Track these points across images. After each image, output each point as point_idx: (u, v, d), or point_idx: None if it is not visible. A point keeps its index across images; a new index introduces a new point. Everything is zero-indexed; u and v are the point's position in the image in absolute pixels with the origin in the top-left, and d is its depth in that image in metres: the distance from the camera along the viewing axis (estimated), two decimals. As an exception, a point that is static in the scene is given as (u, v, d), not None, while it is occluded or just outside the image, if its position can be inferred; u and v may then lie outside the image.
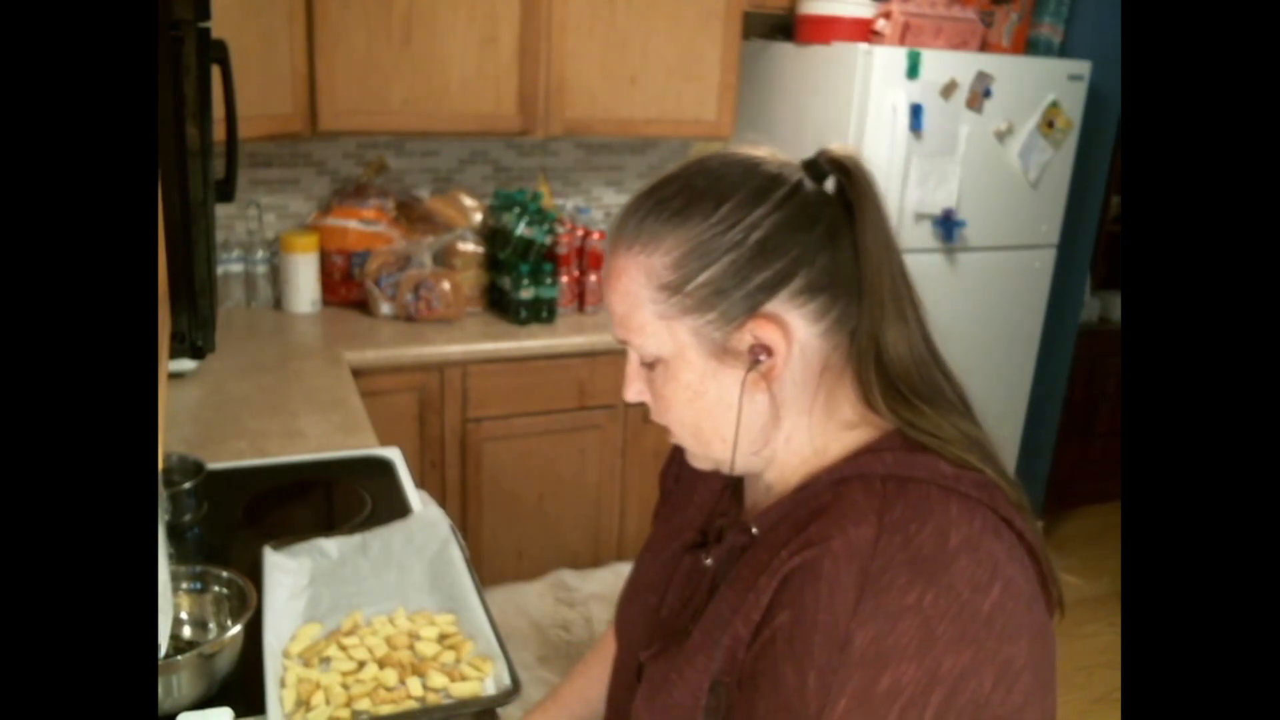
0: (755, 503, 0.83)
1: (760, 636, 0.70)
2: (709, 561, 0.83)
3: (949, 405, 0.76)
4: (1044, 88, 2.73)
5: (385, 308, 2.58)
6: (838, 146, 0.76)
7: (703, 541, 0.87)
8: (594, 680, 1.09)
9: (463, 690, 1.08)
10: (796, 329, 0.73)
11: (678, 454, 0.98)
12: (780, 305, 0.72)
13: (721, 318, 0.72)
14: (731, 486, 0.87)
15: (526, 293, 2.57)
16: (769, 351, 0.73)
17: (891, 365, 0.75)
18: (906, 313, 0.75)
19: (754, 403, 0.75)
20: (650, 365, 0.77)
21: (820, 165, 0.76)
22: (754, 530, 0.78)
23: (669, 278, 0.73)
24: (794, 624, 0.67)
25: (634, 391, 0.80)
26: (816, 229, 0.72)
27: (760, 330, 0.72)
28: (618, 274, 0.76)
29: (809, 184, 0.74)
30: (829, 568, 0.67)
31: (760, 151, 0.77)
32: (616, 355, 2.55)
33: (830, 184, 0.76)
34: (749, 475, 0.84)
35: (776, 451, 0.78)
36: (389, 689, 1.08)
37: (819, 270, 0.72)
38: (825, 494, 0.73)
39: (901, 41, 2.60)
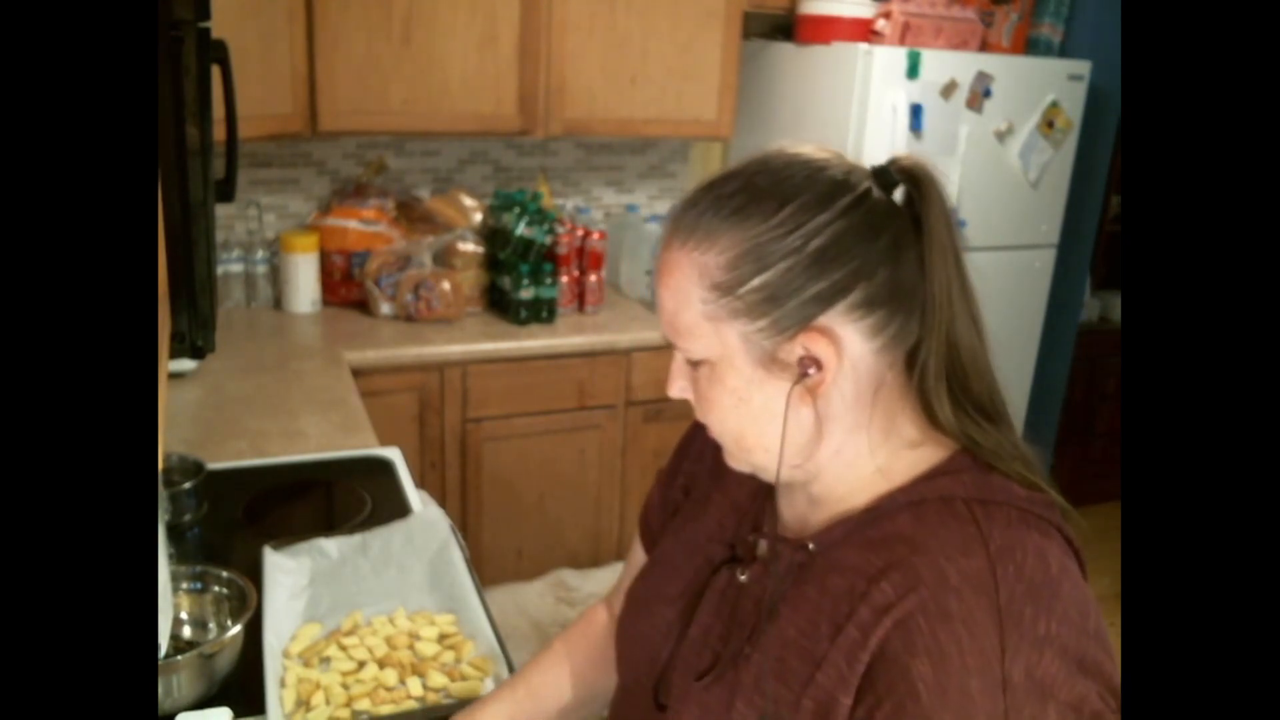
0: (799, 517, 0.79)
1: (883, 686, 0.65)
2: (744, 578, 0.79)
3: (1003, 421, 0.75)
4: (1044, 88, 2.73)
5: (385, 308, 2.58)
6: (908, 156, 0.73)
7: (732, 557, 0.83)
8: (566, 671, 1.01)
9: (463, 690, 1.08)
10: (850, 344, 0.70)
11: (684, 463, 0.95)
12: (835, 318, 0.69)
13: (773, 326, 0.70)
14: (761, 498, 0.84)
15: (526, 293, 2.57)
16: (819, 365, 0.70)
17: (958, 381, 0.73)
18: (974, 327, 0.73)
19: (799, 416, 0.72)
20: (696, 365, 0.75)
21: (890, 174, 0.73)
22: (811, 546, 0.75)
23: (721, 278, 0.70)
24: (941, 673, 0.63)
25: (677, 388, 0.77)
26: (880, 241, 0.69)
27: (812, 343, 0.69)
28: (670, 269, 0.73)
29: (877, 192, 0.71)
30: (957, 606, 0.64)
31: (826, 153, 0.74)
32: (616, 355, 2.55)
33: (899, 194, 0.73)
34: (785, 487, 0.81)
35: (823, 464, 0.75)
36: (389, 689, 1.08)
37: (879, 284, 0.69)
38: (903, 516, 0.71)
39: (901, 41, 2.60)
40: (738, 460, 0.78)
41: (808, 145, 0.75)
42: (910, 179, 0.72)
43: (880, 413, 0.74)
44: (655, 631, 0.86)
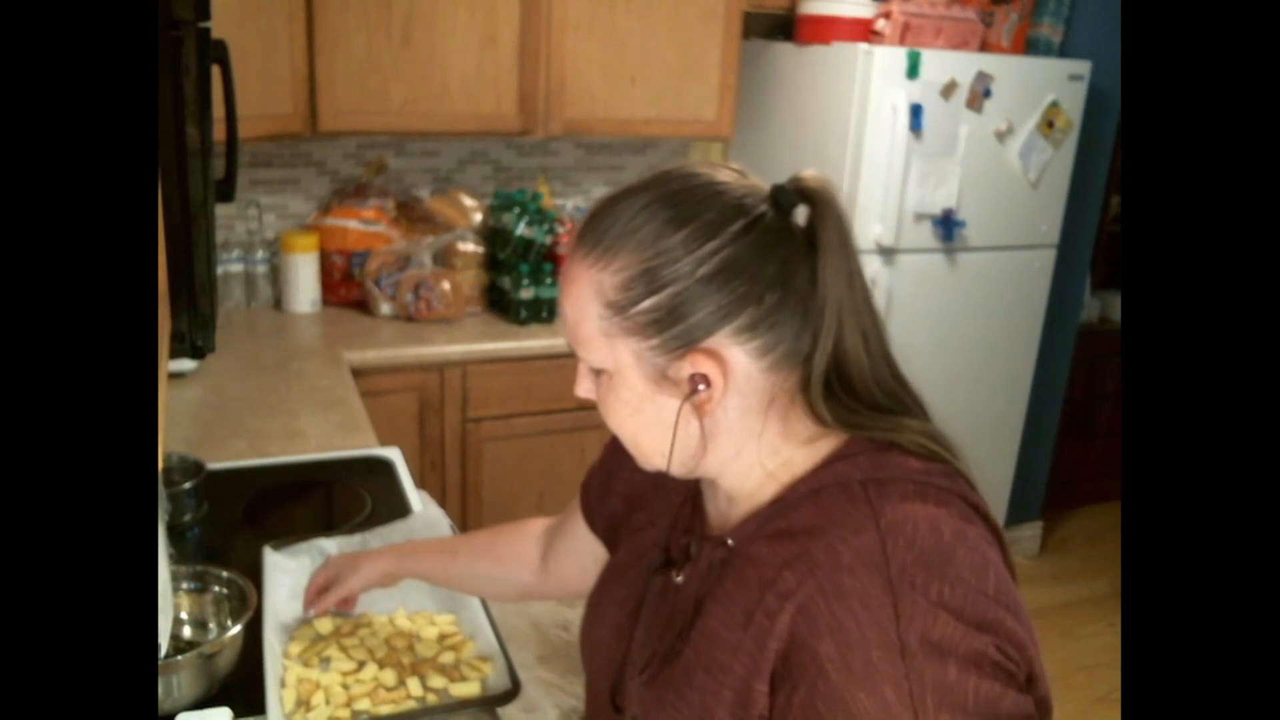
0: (720, 515, 0.82)
1: (796, 671, 0.68)
2: (680, 579, 0.82)
3: (905, 411, 0.77)
4: (1044, 88, 2.73)
5: (385, 308, 2.59)
6: (810, 174, 0.74)
7: (669, 560, 0.86)
8: (482, 560, 1.16)
9: (463, 690, 1.08)
10: (737, 364, 0.73)
11: (624, 472, 0.97)
12: (721, 341, 0.72)
13: (662, 345, 0.72)
14: (691, 500, 0.87)
15: (526, 293, 2.57)
16: (708, 383, 0.73)
17: (844, 386, 0.75)
18: (868, 340, 0.75)
19: (687, 429, 0.75)
20: (597, 372, 0.78)
21: (789, 194, 0.74)
22: (729, 542, 0.77)
23: (615, 297, 0.73)
24: (844, 649, 0.65)
25: (584, 389, 0.81)
26: (768, 268, 0.71)
27: (698, 364, 0.72)
28: (571, 280, 0.76)
29: (770, 215, 0.73)
30: (851, 584, 0.67)
31: (728, 174, 0.75)
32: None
33: (800, 213, 0.75)
34: (706, 485, 0.84)
35: (725, 464, 0.78)
36: (389, 689, 1.08)
37: (766, 309, 0.72)
38: (804, 504, 0.74)
39: (901, 41, 2.60)
40: (641, 462, 0.81)
41: (708, 165, 0.76)
42: (807, 199, 0.74)
43: (774, 420, 0.76)
44: (609, 635, 0.89)
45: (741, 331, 0.72)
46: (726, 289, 0.71)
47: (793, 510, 0.74)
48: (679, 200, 0.73)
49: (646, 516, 0.92)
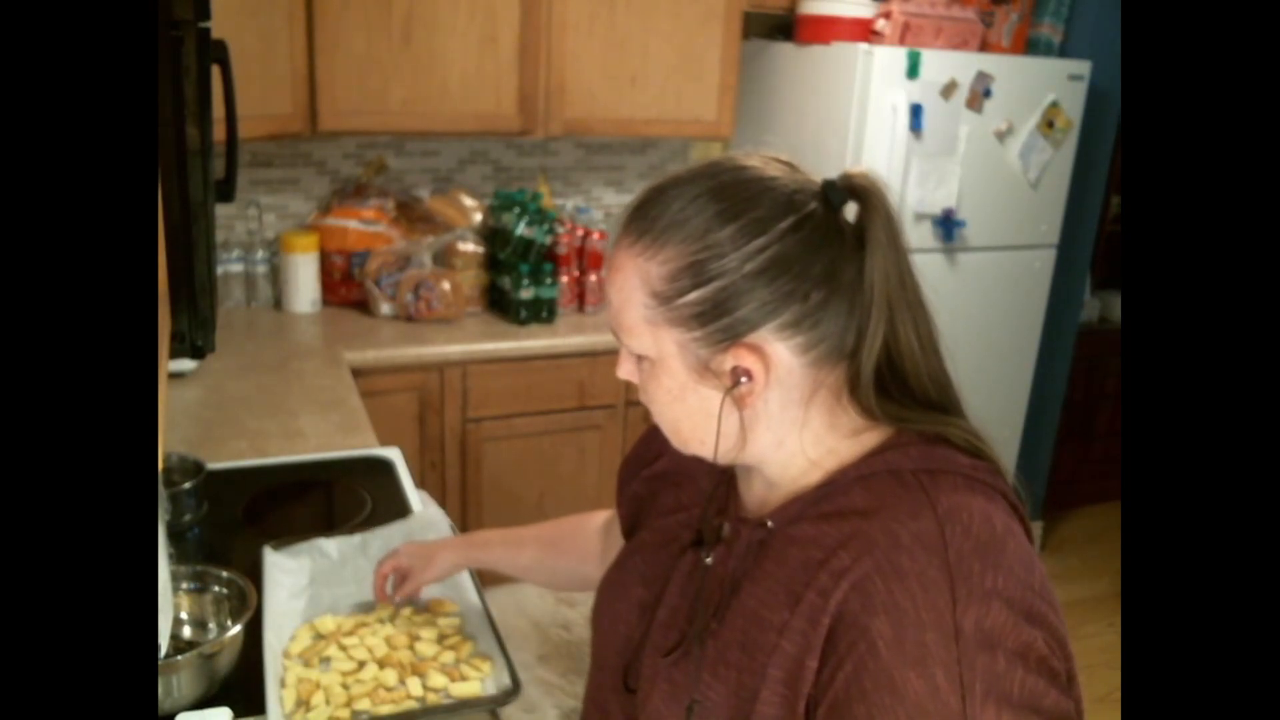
0: (757, 498, 0.82)
1: (844, 646, 0.68)
2: (709, 560, 0.82)
3: (953, 411, 0.78)
4: (1044, 88, 2.73)
5: (385, 308, 2.59)
6: (859, 171, 0.75)
7: (698, 540, 0.86)
8: (563, 555, 1.19)
9: (463, 690, 1.08)
10: (780, 359, 0.73)
11: (639, 468, 0.99)
12: (765, 336, 0.72)
13: (706, 338, 0.73)
14: (725, 483, 0.87)
15: (526, 293, 2.57)
16: (750, 376, 0.73)
17: (898, 382, 0.76)
18: (921, 336, 0.75)
19: (729, 420, 0.76)
20: (639, 357, 0.79)
21: (838, 191, 0.74)
22: (769, 524, 0.78)
23: (661, 288, 0.73)
24: (898, 628, 0.66)
25: (625, 371, 0.82)
26: (815, 266, 0.72)
27: (741, 358, 0.73)
28: (618, 268, 0.77)
29: (821, 211, 0.73)
30: (909, 564, 0.67)
31: (776, 167, 0.75)
32: (616, 355, 2.55)
33: (848, 209, 0.75)
34: (741, 470, 0.85)
35: (765, 452, 0.78)
36: (389, 689, 1.08)
37: (811, 306, 0.72)
38: (854, 489, 0.74)
39: (901, 41, 2.60)
40: (679, 447, 0.82)
41: (759, 158, 0.77)
42: (856, 195, 0.74)
43: (819, 412, 0.77)
44: (629, 611, 0.89)
45: (786, 327, 0.72)
46: (773, 286, 0.71)
47: (841, 494, 0.75)
48: (729, 193, 0.73)
49: (675, 500, 0.93)
